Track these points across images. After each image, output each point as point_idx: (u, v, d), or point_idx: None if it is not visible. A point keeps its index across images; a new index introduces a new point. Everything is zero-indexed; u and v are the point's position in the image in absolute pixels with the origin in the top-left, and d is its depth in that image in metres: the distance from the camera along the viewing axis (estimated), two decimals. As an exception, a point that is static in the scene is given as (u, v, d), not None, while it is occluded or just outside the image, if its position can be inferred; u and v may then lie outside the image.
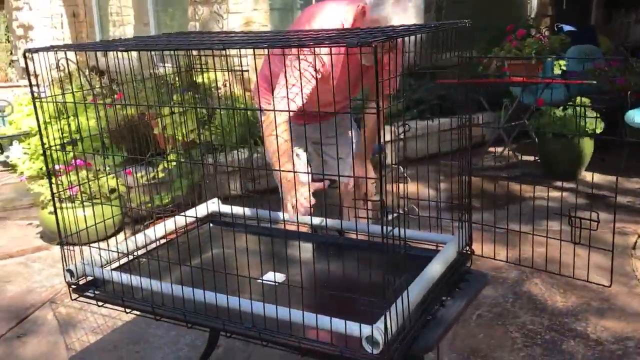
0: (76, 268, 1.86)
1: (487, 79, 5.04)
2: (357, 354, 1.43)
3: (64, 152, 1.94)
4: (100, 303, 1.88)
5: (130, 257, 2.06)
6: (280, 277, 1.90)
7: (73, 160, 3.77)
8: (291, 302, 1.49)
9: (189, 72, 2.65)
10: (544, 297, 2.80)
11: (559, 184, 4.52)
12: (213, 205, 2.44)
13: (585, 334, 2.48)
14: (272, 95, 2.13)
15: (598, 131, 4.44)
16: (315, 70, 2.13)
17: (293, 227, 2.17)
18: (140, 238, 2.12)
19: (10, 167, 5.36)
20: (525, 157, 5.23)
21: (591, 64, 5.54)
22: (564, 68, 4.89)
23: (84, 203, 3.40)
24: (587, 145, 4.51)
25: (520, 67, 4.79)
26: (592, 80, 5.04)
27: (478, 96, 5.25)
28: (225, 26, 5.41)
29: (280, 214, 2.27)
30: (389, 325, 1.41)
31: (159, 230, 2.21)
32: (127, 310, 1.82)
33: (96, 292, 1.88)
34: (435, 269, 1.74)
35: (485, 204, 4.17)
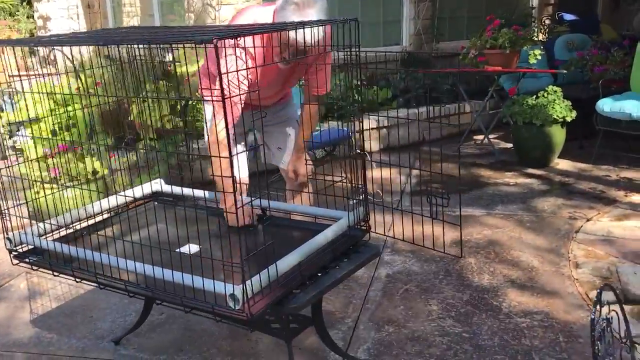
0: (14, 236, 2.14)
1: (465, 68, 5.17)
2: (223, 310, 1.67)
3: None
4: (35, 268, 2.15)
5: (71, 229, 2.32)
6: (194, 248, 2.15)
7: (58, 145, 4.10)
8: (192, 269, 1.72)
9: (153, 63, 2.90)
10: (473, 275, 2.98)
11: (531, 170, 4.66)
12: (156, 185, 2.70)
13: (499, 308, 2.66)
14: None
15: (569, 119, 4.56)
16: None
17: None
18: (82, 212, 2.39)
19: (19, 151, 5.74)
20: (505, 145, 5.36)
21: (574, 53, 5.61)
22: (539, 58, 4.98)
23: (67, 185, 3.71)
24: (558, 134, 4.61)
25: (496, 57, 4.91)
26: (569, 69, 5.14)
27: (460, 85, 5.39)
28: (217, 18, 5.65)
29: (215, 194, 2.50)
30: (247, 285, 1.63)
31: (103, 205, 2.47)
32: (55, 274, 2.08)
33: (33, 259, 2.15)
34: (317, 239, 1.96)
35: (446, 188, 4.32)
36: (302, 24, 1.96)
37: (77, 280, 2.02)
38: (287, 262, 1.82)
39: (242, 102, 2.28)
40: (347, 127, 4.77)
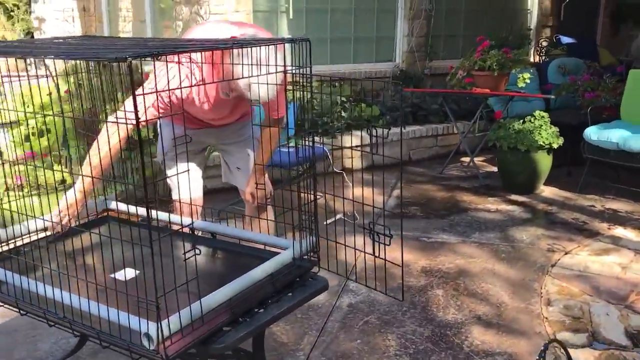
0: None
1: (452, 89, 5.05)
2: (137, 349, 1.54)
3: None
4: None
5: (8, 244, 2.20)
6: (130, 274, 2.02)
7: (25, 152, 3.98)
8: (117, 299, 1.59)
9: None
10: (438, 309, 2.84)
11: (514, 197, 4.53)
12: (110, 201, 2.58)
13: (460, 347, 2.52)
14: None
15: (555, 146, 4.43)
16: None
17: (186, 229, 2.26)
18: (20, 229, 2.26)
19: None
20: (492, 168, 5.23)
21: (567, 77, 5.49)
22: (528, 82, 4.86)
23: (32, 193, 3.59)
24: (544, 160, 4.49)
25: (484, 79, 4.80)
26: (560, 94, 5.02)
27: (448, 106, 5.27)
28: (205, 27, 5.55)
29: (166, 214, 2.37)
30: (164, 324, 1.51)
31: (40, 223, 2.34)
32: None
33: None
34: (254, 273, 1.83)
35: (425, 212, 4.21)
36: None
37: (0, 305, 1.90)
38: (215, 298, 1.69)
39: (162, 109, 2.15)
40: (324, 144, 4.66)
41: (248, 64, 1.92)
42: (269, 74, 1.94)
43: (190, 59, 2.09)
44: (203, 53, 2.12)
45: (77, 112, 3.80)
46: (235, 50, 1.97)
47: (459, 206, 4.33)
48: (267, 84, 1.99)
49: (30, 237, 2.29)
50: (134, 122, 1.38)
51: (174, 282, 1.56)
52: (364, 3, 6.49)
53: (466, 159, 5.40)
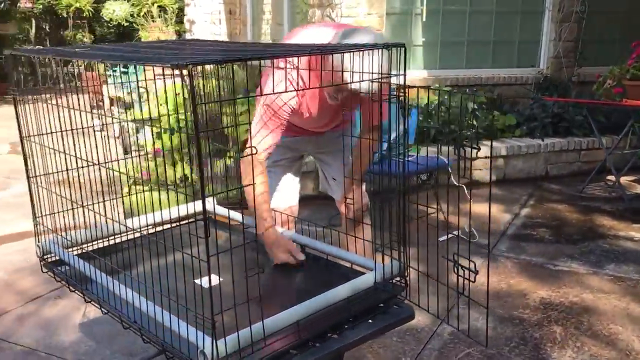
0: (42, 245, 2.11)
1: (598, 99, 4.55)
2: (193, 365, 1.48)
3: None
4: (58, 280, 2.11)
5: (105, 243, 2.26)
6: (214, 280, 1.98)
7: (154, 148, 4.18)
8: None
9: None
10: (553, 348, 2.52)
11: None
12: (208, 204, 2.58)
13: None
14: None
15: None
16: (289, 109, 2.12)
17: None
18: (117, 226, 2.32)
19: (141, 147, 6.04)
20: (641, 190, 4.65)
21: None
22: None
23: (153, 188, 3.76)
24: None
25: (637, 89, 4.26)
26: None
27: (593, 117, 4.76)
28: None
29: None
30: (220, 343, 1.43)
31: (142, 220, 2.39)
32: (71, 290, 2.02)
33: (58, 270, 2.11)
34: (327, 296, 1.70)
35: (555, 235, 3.81)
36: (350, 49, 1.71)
37: (87, 301, 1.95)
38: (280, 319, 1.58)
39: (282, 127, 2.09)
40: (449, 154, 4.40)
41: (351, 70, 1.84)
42: (372, 73, 1.81)
43: (295, 65, 2.00)
44: (299, 58, 2.03)
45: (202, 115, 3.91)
46: (340, 56, 1.88)
47: (596, 231, 3.87)
48: (371, 80, 1.84)
49: (134, 233, 2.34)
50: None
51: (246, 294, 1.48)
52: (507, 5, 6.09)
53: (612, 178, 4.85)
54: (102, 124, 2.23)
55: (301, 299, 1.68)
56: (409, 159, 4.03)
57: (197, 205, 2.56)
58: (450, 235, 3.59)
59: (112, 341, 2.62)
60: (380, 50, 1.79)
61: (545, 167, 5.19)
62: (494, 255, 3.51)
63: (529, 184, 4.96)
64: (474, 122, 5.19)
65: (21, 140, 2.01)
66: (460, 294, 1.58)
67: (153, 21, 8.67)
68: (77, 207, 2.08)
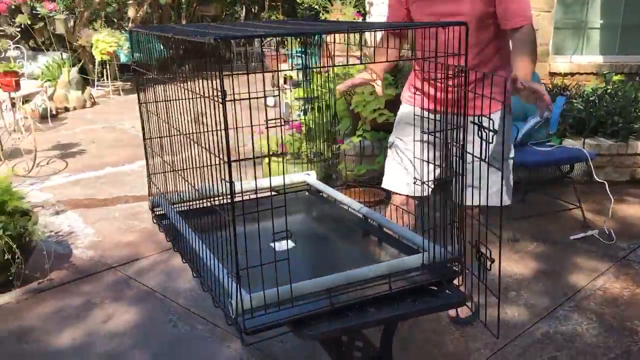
0: (152, 199, 2.42)
1: None
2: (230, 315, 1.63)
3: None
4: (161, 230, 2.40)
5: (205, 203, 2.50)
6: (289, 245, 2.12)
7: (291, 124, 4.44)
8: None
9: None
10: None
11: None
12: (309, 177, 2.73)
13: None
14: None
15: None
16: None
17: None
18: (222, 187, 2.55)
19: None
20: None
21: None
22: None
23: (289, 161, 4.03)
24: None
25: None
26: None
27: None
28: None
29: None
30: (244, 298, 1.56)
31: (249, 186, 2.60)
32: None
33: (162, 222, 2.40)
34: (363, 271, 1.74)
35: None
36: None
37: (175, 251, 2.20)
38: (310, 285, 1.67)
39: None
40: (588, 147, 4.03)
41: None
42: None
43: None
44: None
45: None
46: None
47: None
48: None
49: (242, 195, 2.56)
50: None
51: (274, 257, 1.59)
52: None
53: None
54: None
55: (342, 268, 1.75)
56: (546, 148, 3.81)
57: (298, 177, 2.73)
58: (588, 233, 3.38)
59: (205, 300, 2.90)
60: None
61: None
62: (629, 260, 3.19)
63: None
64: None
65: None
66: (480, 280, 1.53)
67: (333, 4, 8.98)
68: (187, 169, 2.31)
